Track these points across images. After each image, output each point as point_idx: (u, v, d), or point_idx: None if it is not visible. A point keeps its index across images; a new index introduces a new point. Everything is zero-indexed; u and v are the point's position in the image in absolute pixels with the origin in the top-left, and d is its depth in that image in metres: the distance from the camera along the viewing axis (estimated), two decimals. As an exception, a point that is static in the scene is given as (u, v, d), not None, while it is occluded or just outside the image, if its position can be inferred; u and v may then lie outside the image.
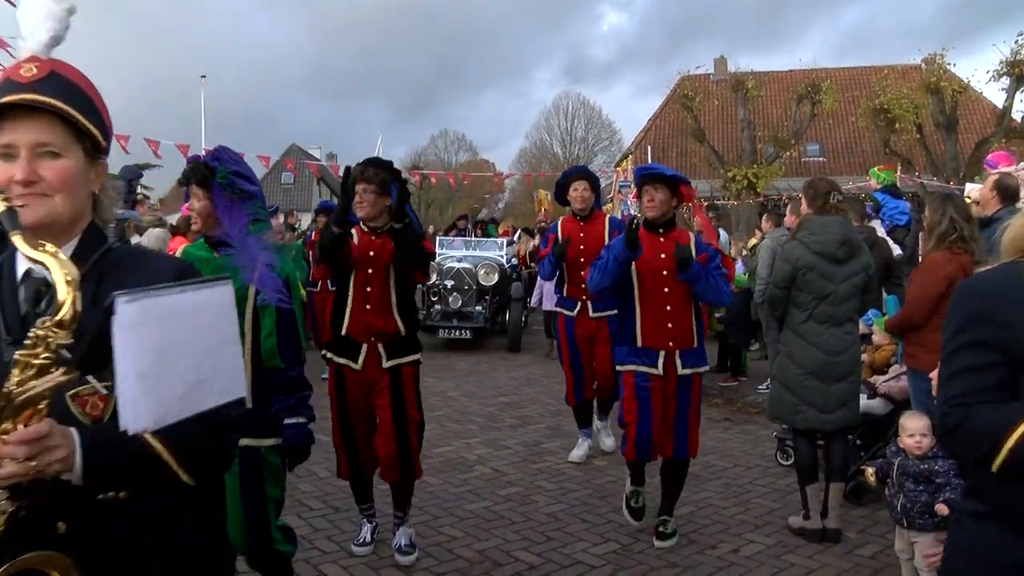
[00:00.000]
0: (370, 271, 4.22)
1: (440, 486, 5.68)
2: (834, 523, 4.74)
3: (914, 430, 3.76)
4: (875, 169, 9.87)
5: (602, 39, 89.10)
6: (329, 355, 4.37)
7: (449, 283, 12.18)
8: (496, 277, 12.43)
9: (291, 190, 47.12)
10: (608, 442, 6.49)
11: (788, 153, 26.53)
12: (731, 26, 79.15)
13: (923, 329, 4.61)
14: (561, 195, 6.33)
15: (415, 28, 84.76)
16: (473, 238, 16.17)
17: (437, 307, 12.29)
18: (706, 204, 20.26)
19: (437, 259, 12.92)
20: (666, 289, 4.53)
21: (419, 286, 11.84)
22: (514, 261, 14.40)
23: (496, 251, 14.18)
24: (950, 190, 6.31)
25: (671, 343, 4.54)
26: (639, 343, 4.56)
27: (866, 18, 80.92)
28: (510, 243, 15.32)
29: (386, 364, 4.24)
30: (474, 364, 10.88)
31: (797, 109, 25.91)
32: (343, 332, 4.26)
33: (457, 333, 11.88)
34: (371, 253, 4.24)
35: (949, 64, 22.92)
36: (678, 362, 4.54)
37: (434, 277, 12.00)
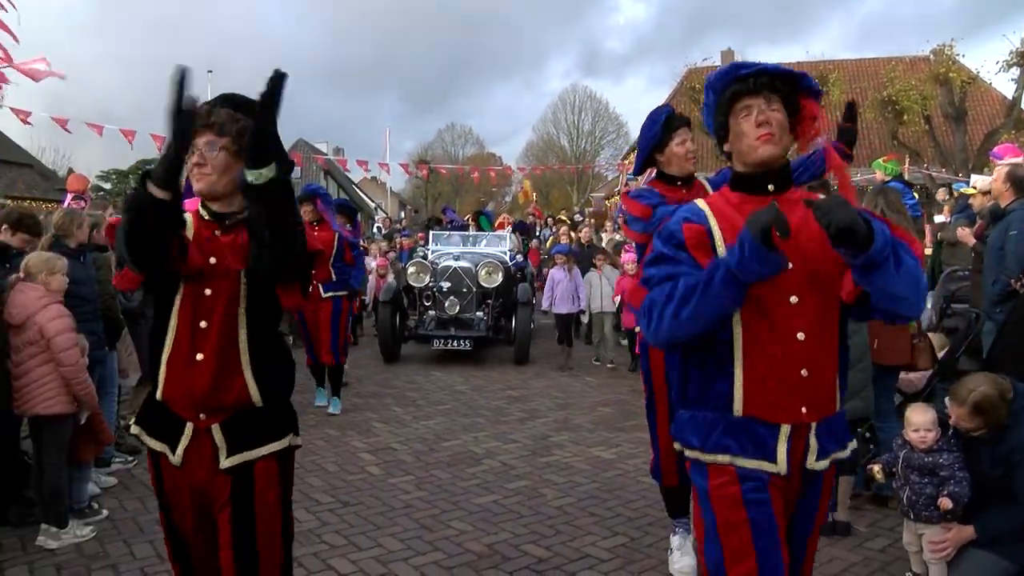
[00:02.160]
0: (207, 292, 2.44)
1: (448, 480, 5.68)
2: (843, 516, 4.73)
3: (919, 424, 3.75)
4: (880, 161, 9.79)
5: (617, 31, 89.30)
6: (136, 431, 2.61)
7: (445, 285, 10.59)
8: (499, 278, 10.67)
9: (298, 184, 47.02)
10: (683, 562, 4.10)
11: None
12: (748, 17, 79.28)
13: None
14: (647, 156, 4.11)
15: (427, 21, 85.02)
16: (472, 232, 14.11)
17: (431, 313, 10.72)
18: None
19: (431, 256, 11.64)
20: (794, 299, 2.30)
21: (413, 288, 10.73)
22: (519, 259, 12.78)
23: (499, 247, 12.46)
24: (880, 185, 6.24)
25: (804, 408, 2.31)
26: (738, 410, 2.33)
27: (884, 8, 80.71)
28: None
29: (225, 463, 2.45)
30: (482, 357, 10.87)
31: (805, 101, 25.76)
32: (158, 395, 2.50)
33: (454, 343, 10.17)
34: (212, 260, 2.46)
35: (958, 55, 22.80)
36: (812, 444, 2.34)
37: (427, 278, 10.61)
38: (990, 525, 3.51)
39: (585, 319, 10.88)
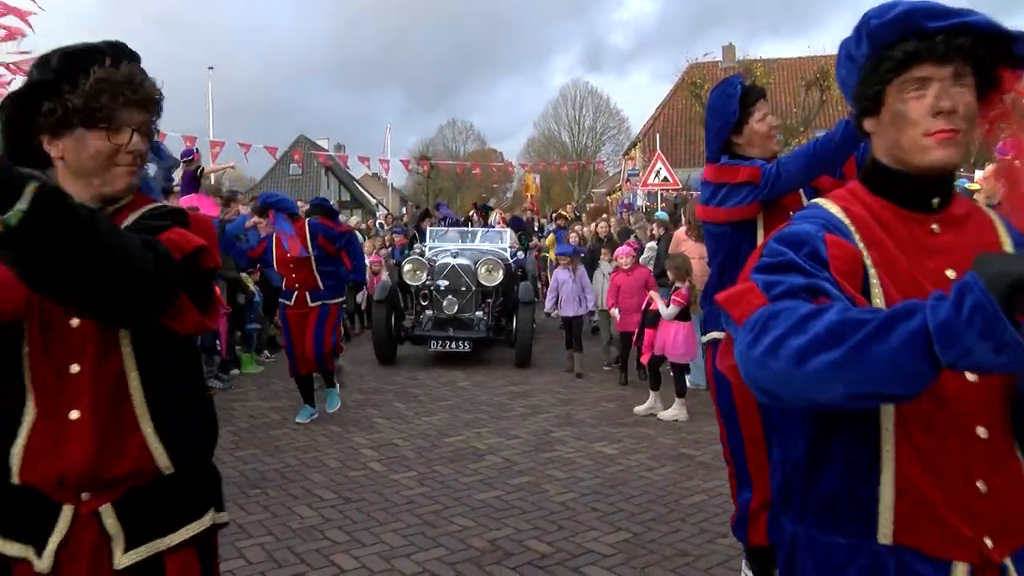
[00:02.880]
0: (74, 323, 1.72)
1: (450, 476, 5.68)
2: None
3: None
4: None
5: (622, 26, 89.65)
6: None
7: (443, 283, 10.05)
8: (500, 275, 10.16)
9: (299, 181, 47.38)
10: None
11: (797, 140, 26.46)
12: (753, 11, 79.51)
13: None
14: (720, 132, 3.27)
15: (432, 18, 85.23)
16: (471, 228, 13.45)
17: (428, 313, 10.20)
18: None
19: (428, 253, 11.14)
20: (972, 378, 1.43)
21: (410, 286, 10.23)
22: (520, 255, 12.20)
23: (499, 243, 11.95)
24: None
25: (988, 538, 1.43)
26: (885, 535, 1.45)
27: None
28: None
29: (122, 559, 1.72)
30: (483, 355, 10.84)
31: (806, 96, 25.87)
32: (16, 478, 1.72)
33: (453, 345, 9.63)
34: None
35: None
36: None
37: (424, 276, 10.10)
38: None
39: (595, 319, 10.49)
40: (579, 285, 9.53)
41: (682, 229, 8.46)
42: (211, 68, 24.49)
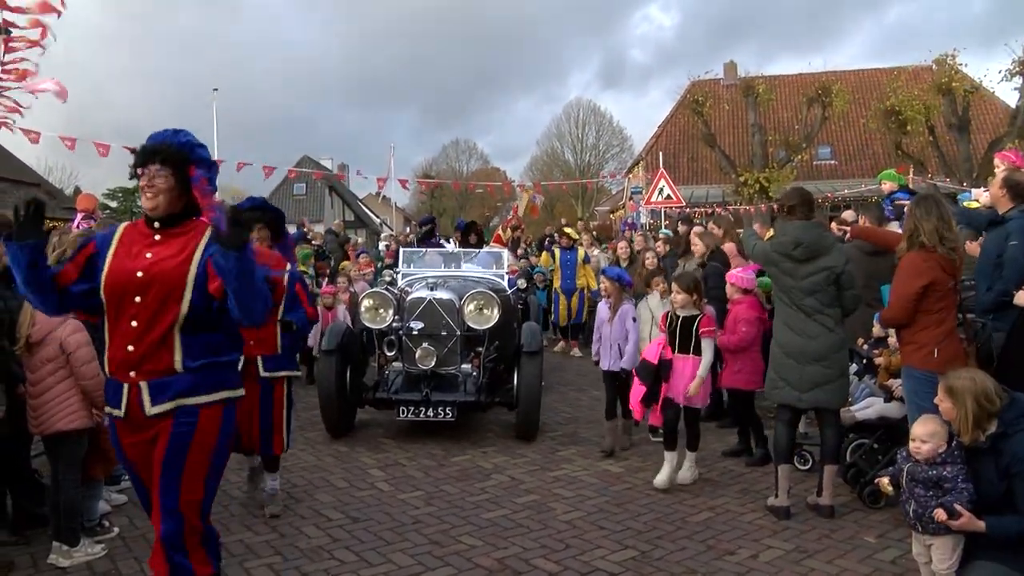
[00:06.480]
0: None
1: (457, 495, 5.69)
2: (827, 500, 5.14)
3: (915, 435, 3.75)
4: (892, 171, 9.75)
5: (640, 44, 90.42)
6: None
7: (416, 325, 7.21)
8: (495, 314, 7.24)
9: (303, 201, 47.57)
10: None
11: (800, 157, 26.55)
12: (771, 30, 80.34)
13: (913, 328, 4.70)
14: None
15: (448, 37, 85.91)
16: (455, 248, 10.60)
17: (396, 365, 7.41)
18: (718, 209, 20.20)
19: (400, 282, 8.67)
20: None
21: (371, 328, 7.48)
22: (520, 284, 9.78)
23: (493, 268, 9.13)
24: (931, 192, 5.80)
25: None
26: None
27: (906, 18, 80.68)
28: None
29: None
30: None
31: (808, 112, 25.96)
32: None
33: (429, 411, 6.82)
34: None
35: (961, 64, 22.90)
36: None
37: (390, 316, 7.30)
38: (995, 532, 3.52)
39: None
40: (622, 326, 6.73)
41: (733, 244, 7.36)
42: (216, 90, 24.71)
